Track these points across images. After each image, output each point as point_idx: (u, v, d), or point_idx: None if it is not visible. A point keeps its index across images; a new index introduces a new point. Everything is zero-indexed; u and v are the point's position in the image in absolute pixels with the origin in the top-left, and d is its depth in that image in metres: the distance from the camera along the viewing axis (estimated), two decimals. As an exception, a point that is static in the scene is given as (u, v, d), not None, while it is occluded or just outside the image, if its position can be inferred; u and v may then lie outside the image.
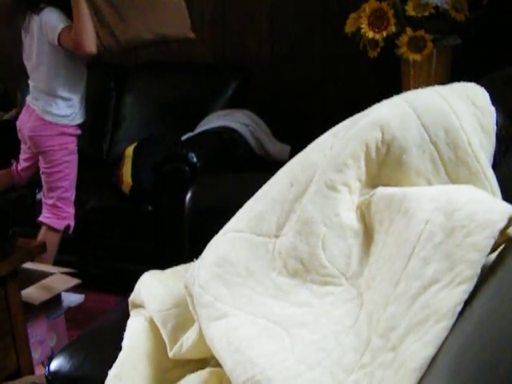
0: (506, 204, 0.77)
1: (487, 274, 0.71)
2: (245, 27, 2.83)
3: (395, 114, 0.95)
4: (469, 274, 0.70)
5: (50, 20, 2.15)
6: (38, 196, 2.54)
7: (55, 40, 2.15)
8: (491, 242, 0.71)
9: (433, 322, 0.70)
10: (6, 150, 2.94)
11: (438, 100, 0.95)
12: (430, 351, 0.68)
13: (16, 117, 3.11)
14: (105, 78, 2.93)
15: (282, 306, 0.90)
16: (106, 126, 2.90)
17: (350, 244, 0.91)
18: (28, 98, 2.36)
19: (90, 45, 2.09)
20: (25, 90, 3.05)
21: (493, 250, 0.75)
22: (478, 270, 0.70)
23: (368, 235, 0.92)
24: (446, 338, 0.68)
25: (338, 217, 0.93)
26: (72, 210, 2.35)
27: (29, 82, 2.36)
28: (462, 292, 0.70)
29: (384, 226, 0.88)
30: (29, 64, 2.34)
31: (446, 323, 0.69)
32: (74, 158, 2.35)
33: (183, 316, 1.04)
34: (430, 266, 0.75)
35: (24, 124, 2.37)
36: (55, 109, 2.26)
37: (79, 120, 2.35)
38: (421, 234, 0.79)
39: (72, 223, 2.34)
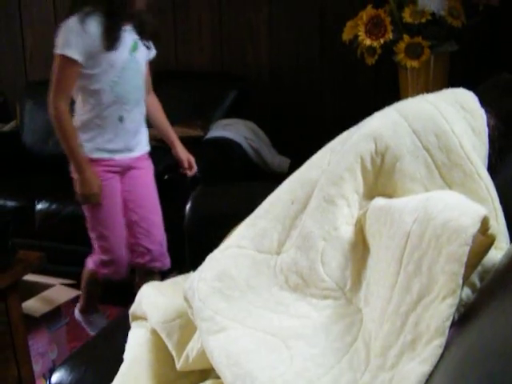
0: (478, 207, 0.76)
1: (490, 282, 0.71)
2: (243, 37, 2.84)
3: (387, 125, 0.97)
4: (451, 287, 0.70)
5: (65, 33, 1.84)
6: (38, 207, 2.54)
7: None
8: (466, 249, 0.71)
9: (426, 340, 0.70)
10: (5, 161, 2.95)
11: (427, 107, 0.97)
12: (426, 369, 0.68)
13: (15, 128, 3.13)
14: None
15: (280, 319, 0.91)
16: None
17: (348, 257, 0.92)
18: None
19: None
20: (24, 101, 3.06)
21: (485, 249, 0.74)
22: (460, 281, 0.70)
23: (366, 248, 0.92)
24: (446, 349, 0.68)
25: (336, 231, 0.94)
26: (104, 257, 2.01)
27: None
28: (447, 306, 0.70)
29: (376, 239, 0.89)
30: None
31: (440, 340, 0.69)
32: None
33: (187, 326, 1.04)
34: (416, 280, 0.75)
35: None
36: None
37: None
38: (404, 247, 0.79)
39: (104, 271, 2.03)
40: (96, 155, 1.93)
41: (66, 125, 1.87)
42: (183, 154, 2.08)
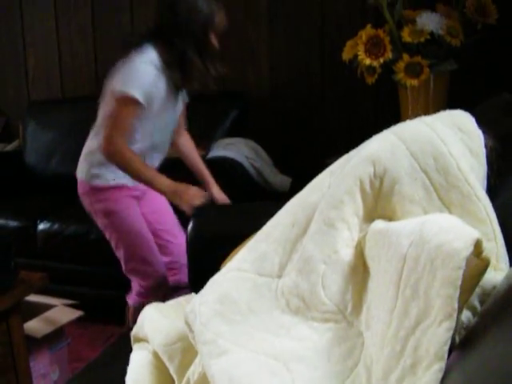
0: (471, 230, 0.77)
1: (491, 305, 0.71)
2: (244, 55, 2.86)
3: (385, 148, 0.97)
4: (447, 311, 0.70)
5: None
6: (40, 227, 2.55)
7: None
8: (460, 273, 0.71)
9: (426, 365, 0.70)
10: (7, 181, 2.97)
11: (425, 129, 0.98)
12: None
13: (18, 148, 3.15)
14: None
15: (282, 342, 0.91)
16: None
17: (349, 281, 0.92)
18: None
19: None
20: (26, 121, 3.09)
21: (480, 273, 0.75)
22: (455, 305, 0.70)
23: (366, 271, 0.93)
24: (447, 373, 0.68)
25: (336, 254, 0.94)
26: (148, 283, 1.97)
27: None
28: (445, 331, 0.70)
29: (375, 262, 0.90)
30: None
31: (439, 365, 0.69)
32: (116, 219, 1.97)
33: (189, 350, 1.04)
34: (414, 304, 0.75)
35: None
36: None
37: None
38: (401, 271, 0.79)
39: (151, 297, 1.92)
40: (120, 182, 1.94)
41: (130, 158, 1.83)
42: (219, 195, 2.05)
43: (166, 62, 1.84)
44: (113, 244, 1.99)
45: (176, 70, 1.86)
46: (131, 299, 2.04)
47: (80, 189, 2.01)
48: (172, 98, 1.92)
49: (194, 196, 1.85)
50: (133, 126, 1.84)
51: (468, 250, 0.72)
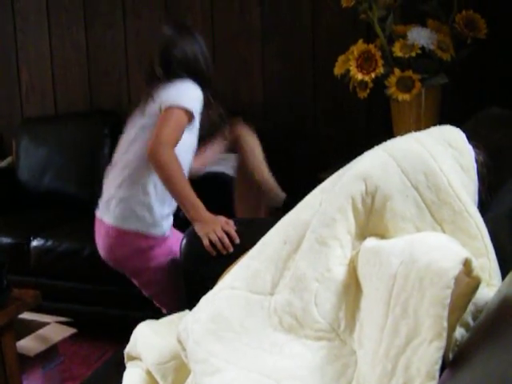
0: (460, 249, 0.77)
1: (482, 321, 0.71)
2: (237, 70, 2.88)
3: (376, 165, 0.98)
4: (437, 330, 0.70)
5: None
6: (33, 243, 2.54)
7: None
8: (448, 292, 0.71)
9: None
10: (1, 197, 2.96)
11: (415, 146, 0.99)
12: None
13: (11, 164, 3.14)
14: (98, 125, 2.95)
15: (274, 360, 0.90)
16: (99, 172, 2.92)
17: (342, 299, 0.92)
18: None
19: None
20: (20, 138, 3.08)
21: (471, 291, 0.74)
22: (444, 324, 0.70)
23: (359, 289, 0.93)
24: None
25: (329, 272, 0.94)
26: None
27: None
28: (435, 350, 0.70)
29: (367, 280, 0.90)
30: None
31: None
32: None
33: (182, 368, 1.03)
34: (404, 323, 0.75)
35: None
36: None
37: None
38: (391, 289, 0.80)
39: None
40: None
41: (179, 171, 1.74)
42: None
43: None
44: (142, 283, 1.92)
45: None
46: None
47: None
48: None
49: (222, 234, 1.65)
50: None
51: (456, 269, 0.72)
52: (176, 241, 1.81)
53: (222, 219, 1.70)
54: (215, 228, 1.65)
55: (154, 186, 1.82)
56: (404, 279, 0.78)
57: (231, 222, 1.69)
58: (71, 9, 3.12)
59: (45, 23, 3.20)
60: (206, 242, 1.63)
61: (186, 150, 1.87)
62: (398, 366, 0.73)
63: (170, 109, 1.75)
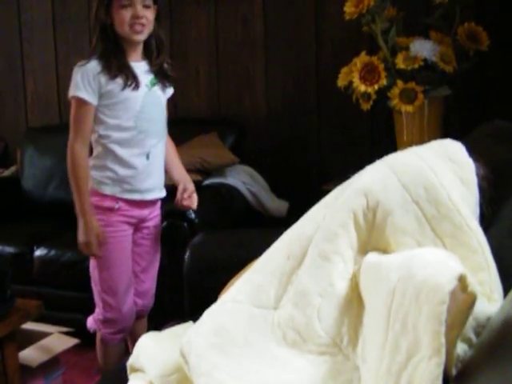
0: (455, 265, 0.77)
1: (486, 338, 0.71)
2: (240, 82, 2.89)
3: (377, 180, 0.98)
4: (435, 346, 0.70)
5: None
6: (36, 253, 2.54)
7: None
8: (444, 308, 0.71)
9: None
10: (4, 206, 2.97)
11: (416, 161, 0.99)
12: None
13: (16, 173, 3.15)
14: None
15: (277, 374, 0.90)
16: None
17: (344, 314, 0.93)
18: None
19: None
20: (24, 147, 3.10)
21: (468, 307, 0.74)
22: (442, 340, 0.70)
23: (361, 304, 0.93)
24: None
25: (332, 287, 0.94)
26: (107, 315, 1.88)
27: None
28: (435, 366, 0.70)
29: (368, 296, 0.90)
30: None
31: None
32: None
33: (185, 382, 1.03)
34: (404, 339, 0.75)
35: None
36: None
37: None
38: (391, 305, 0.80)
39: (106, 330, 1.90)
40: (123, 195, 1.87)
41: (82, 167, 1.82)
42: (186, 201, 1.94)
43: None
44: (91, 263, 1.91)
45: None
46: (90, 322, 1.94)
47: None
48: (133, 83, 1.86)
49: (88, 243, 1.81)
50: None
51: (451, 284, 0.72)
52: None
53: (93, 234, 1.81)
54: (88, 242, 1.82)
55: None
56: (402, 295, 0.78)
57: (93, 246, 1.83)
58: (77, 20, 3.15)
59: (50, 34, 3.23)
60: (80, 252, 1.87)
61: (118, 124, 1.83)
62: (400, 382, 0.73)
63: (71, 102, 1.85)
